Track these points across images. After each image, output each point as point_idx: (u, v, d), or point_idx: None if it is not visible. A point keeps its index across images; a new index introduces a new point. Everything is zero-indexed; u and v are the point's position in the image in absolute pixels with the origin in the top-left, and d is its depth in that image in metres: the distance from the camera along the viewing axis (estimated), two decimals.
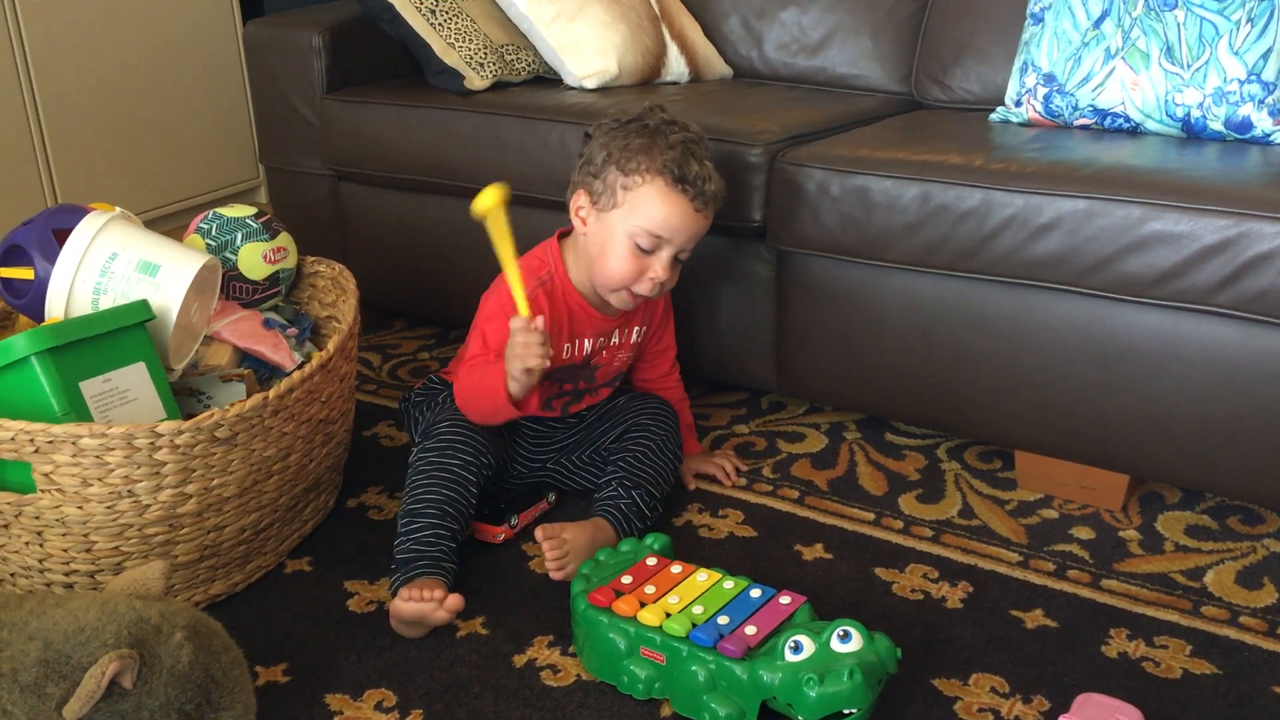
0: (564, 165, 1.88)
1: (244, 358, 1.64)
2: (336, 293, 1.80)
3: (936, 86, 2.13)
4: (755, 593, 1.34)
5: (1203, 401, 1.51)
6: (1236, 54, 1.67)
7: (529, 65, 2.21)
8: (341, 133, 2.18)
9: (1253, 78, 1.66)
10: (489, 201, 1.42)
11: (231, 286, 1.71)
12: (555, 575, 1.49)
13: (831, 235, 1.71)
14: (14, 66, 2.62)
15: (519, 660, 1.37)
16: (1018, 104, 1.88)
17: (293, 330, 1.72)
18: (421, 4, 2.14)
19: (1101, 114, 1.79)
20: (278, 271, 1.75)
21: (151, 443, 1.30)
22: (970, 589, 1.50)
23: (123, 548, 1.36)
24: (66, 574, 1.37)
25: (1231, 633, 1.41)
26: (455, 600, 1.37)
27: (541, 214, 1.94)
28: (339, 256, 2.08)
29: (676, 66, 2.25)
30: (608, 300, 1.60)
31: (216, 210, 1.76)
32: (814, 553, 1.59)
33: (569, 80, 2.16)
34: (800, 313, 1.81)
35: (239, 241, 1.71)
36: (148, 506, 1.34)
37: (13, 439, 1.28)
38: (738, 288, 1.87)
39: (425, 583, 1.40)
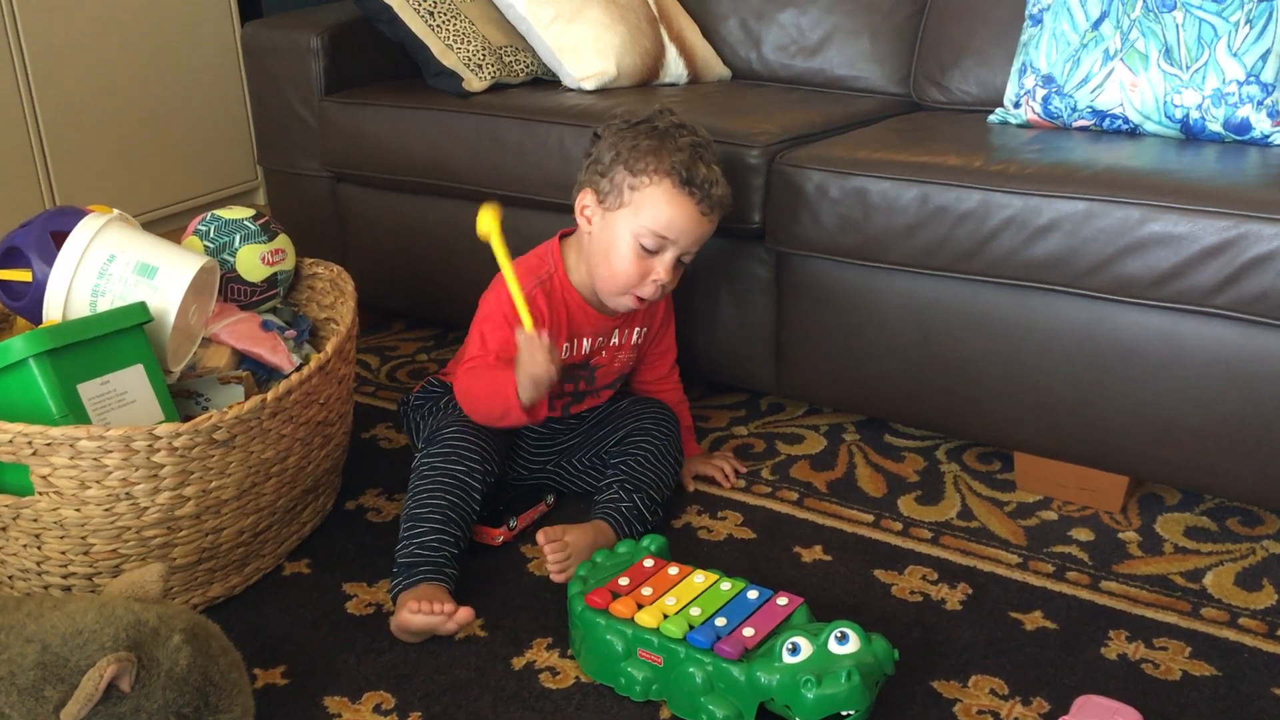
0: (562, 167, 1.88)
1: (242, 360, 1.64)
2: (335, 294, 1.80)
3: (935, 88, 2.13)
4: (752, 594, 1.34)
5: (1202, 403, 1.51)
6: (1235, 55, 1.67)
7: (527, 67, 2.21)
8: (340, 134, 2.18)
9: (1251, 79, 1.66)
10: (491, 224, 1.46)
11: (230, 288, 1.71)
12: (557, 578, 1.49)
13: (830, 237, 1.71)
14: (12, 68, 2.62)
15: (518, 662, 1.37)
16: (1016, 105, 1.88)
17: (291, 332, 1.72)
18: (420, 6, 2.14)
19: (1100, 115, 1.79)
20: (276, 273, 1.75)
21: (150, 445, 1.30)
22: (969, 591, 1.50)
23: (121, 550, 1.36)
24: (64, 576, 1.37)
25: (1231, 634, 1.41)
26: (465, 614, 1.37)
27: (540, 215, 1.94)
28: (337, 258, 2.08)
29: (675, 68, 2.25)
30: (613, 305, 1.61)
31: (214, 212, 1.76)
32: (813, 554, 1.59)
33: (567, 82, 2.16)
34: (799, 314, 1.81)
35: (237, 243, 1.71)
36: (146, 509, 1.34)
37: (10, 441, 1.28)
38: (737, 289, 1.87)
39: (430, 592, 1.40)
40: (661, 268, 1.55)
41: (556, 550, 1.48)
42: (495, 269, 1.52)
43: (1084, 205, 1.50)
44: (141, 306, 1.45)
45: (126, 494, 1.32)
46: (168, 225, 2.96)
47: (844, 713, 1.18)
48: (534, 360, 1.44)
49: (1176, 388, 1.52)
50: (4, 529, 1.34)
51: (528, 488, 1.70)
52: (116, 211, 1.56)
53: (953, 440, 1.89)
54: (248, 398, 1.53)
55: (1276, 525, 1.64)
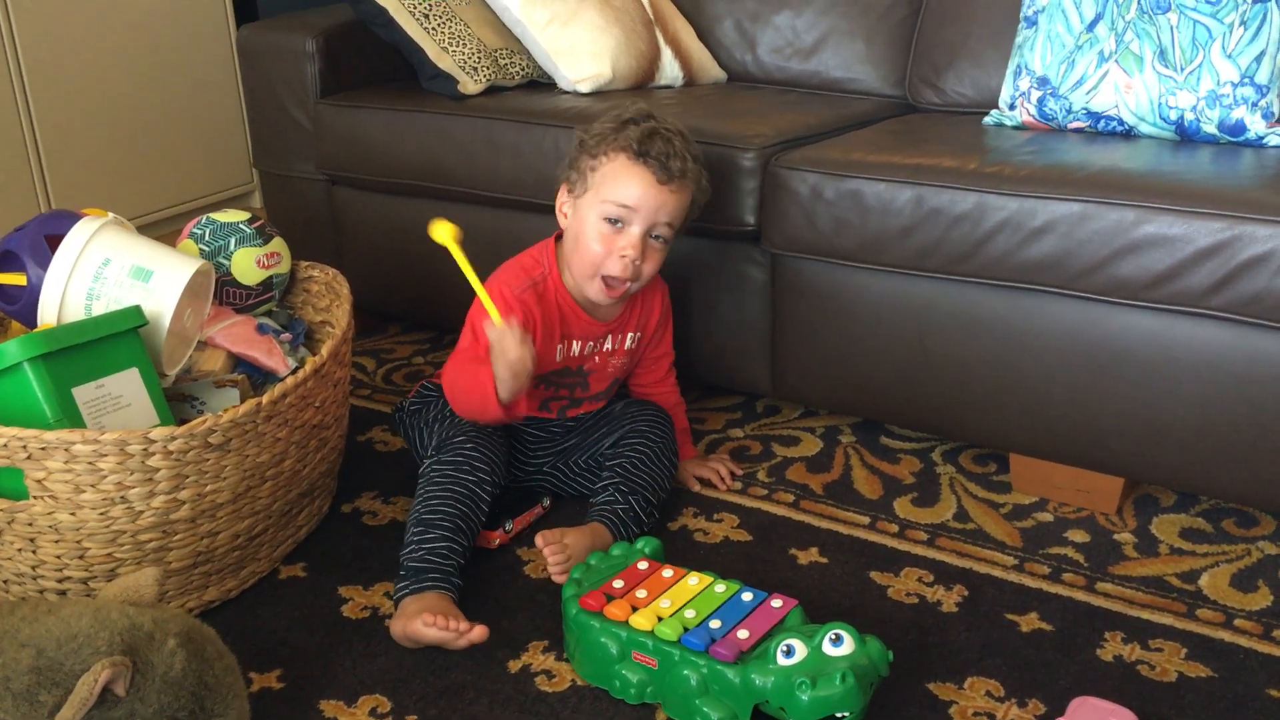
0: (557, 169, 1.88)
1: (237, 363, 1.64)
2: (330, 298, 1.80)
3: (930, 90, 2.13)
4: (747, 596, 1.34)
5: (1197, 404, 1.51)
6: (1230, 57, 1.67)
7: (523, 69, 2.21)
8: (335, 137, 2.18)
9: (1246, 80, 1.66)
10: (447, 236, 1.51)
11: (225, 292, 1.71)
12: (559, 579, 1.48)
13: (825, 239, 1.71)
14: (7, 71, 2.62)
15: (514, 666, 1.37)
16: (1011, 107, 1.88)
17: (286, 335, 1.71)
18: (415, 8, 2.14)
19: (1095, 117, 1.79)
20: (271, 276, 1.75)
21: (145, 449, 1.30)
22: (965, 592, 1.50)
23: (116, 554, 1.35)
24: (59, 581, 1.37)
25: (1226, 635, 1.41)
26: (479, 633, 1.35)
27: (536, 218, 1.94)
28: (333, 261, 2.08)
29: (670, 70, 2.25)
30: (587, 293, 1.60)
31: (210, 215, 1.76)
32: (809, 556, 1.59)
33: (563, 84, 2.16)
34: (794, 316, 1.81)
35: (232, 247, 1.71)
36: (141, 513, 1.33)
37: (5, 445, 1.28)
38: (732, 291, 1.87)
39: (440, 603, 1.39)
40: (627, 242, 1.55)
41: (556, 552, 1.48)
42: (491, 270, 1.52)
43: (1079, 207, 1.50)
44: (136, 310, 1.45)
45: (121, 498, 1.32)
46: (163, 228, 2.96)
47: (839, 715, 1.18)
48: (505, 350, 1.45)
49: (1172, 389, 1.52)
50: None
51: (524, 490, 1.70)
52: (111, 215, 1.56)
53: (948, 442, 1.89)
54: (243, 401, 1.53)
55: (1272, 526, 1.64)
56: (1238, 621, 1.44)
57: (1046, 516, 1.68)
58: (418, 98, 2.13)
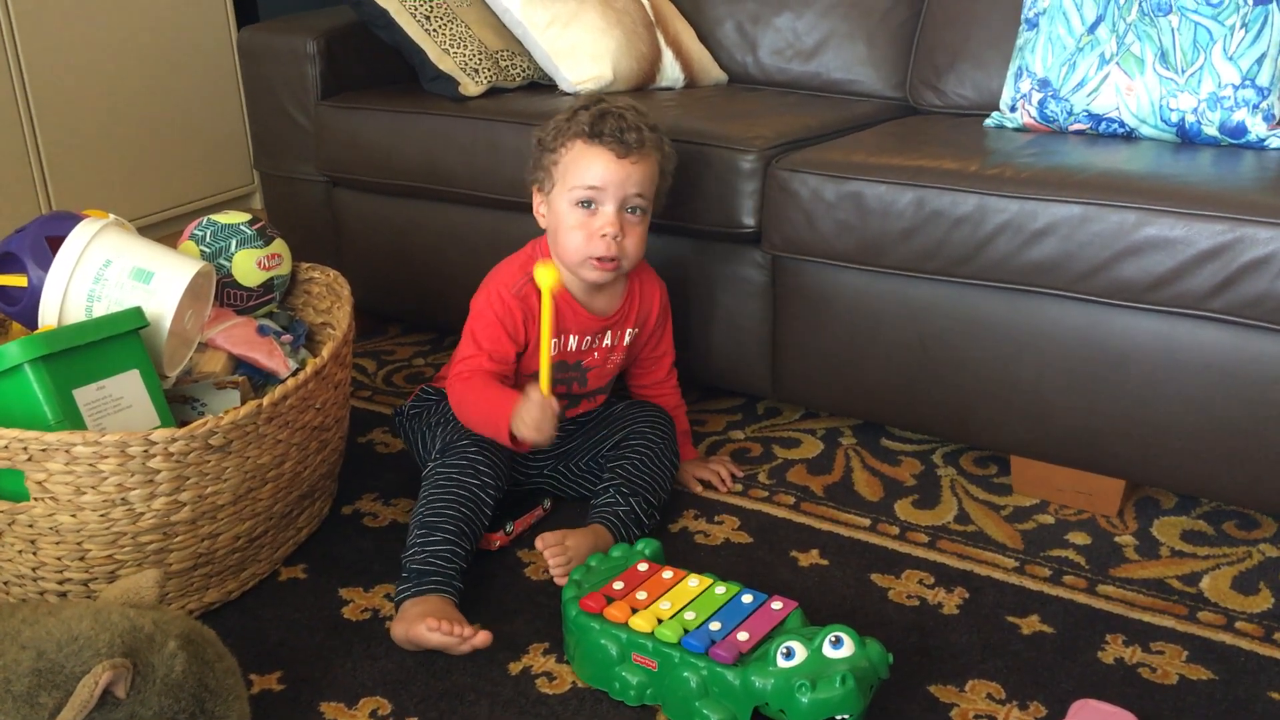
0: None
1: (238, 365, 1.64)
2: (331, 299, 1.80)
3: (931, 92, 2.13)
4: (747, 598, 1.34)
5: (1198, 406, 1.51)
6: (1231, 59, 1.67)
7: (524, 71, 2.21)
8: (336, 139, 2.18)
9: (1247, 83, 1.66)
10: (548, 281, 1.51)
11: (226, 293, 1.71)
12: (560, 581, 1.48)
13: (826, 241, 1.71)
14: (8, 72, 2.62)
15: (514, 668, 1.37)
16: (1012, 109, 1.88)
17: (287, 337, 1.71)
18: (416, 10, 2.14)
19: (1096, 119, 1.79)
20: (272, 278, 1.75)
21: (145, 450, 1.30)
22: (966, 595, 1.50)
23: (116, 556, 1.35)
24: (60, 582, 1.37)
25: (1228, 638, 1.41)
26: (483, 638, 1.35)
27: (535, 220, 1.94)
28: (334, 263, 2.08)
29: (671, 72, 2.25)
30: (585, 277, 1.61)
31: (211, 217, 1.76)
32: (810, 559, 1.59)
33: (564, 86, 2.16)
34: (795, 318, 1.81)
35: (233, 248, 1.71)
36: (141, 514, 1.33)
37: (6, 447, 1.28)
38: (732, 294, 1.87)
39: (442, 607, 1.39)
40: (603, 220, 1.56)
41: (557, 554, 1.48)
42: (490, 270, 1.52)
43: (1080, 209, 1.50)
44: (137, 311, 1.45)
45: (122, 499, 1.32)
46: (164, 230, 2.96)
47: (839, 717, 1.18)
48: (538, 425, 1.48)
49: (1172, 391, 1.52)
50: None
51: (525, 492, 1.70)
52: (112, 216, 1.56)
53: (949, 444, 1.89)
54: (244, 403, 1.53)
55: (1273, 529, 1.64)
56: (1239, 624, 1.43)
57: (1047, 519, 1.67)
58: (419, 99, 2.13)
